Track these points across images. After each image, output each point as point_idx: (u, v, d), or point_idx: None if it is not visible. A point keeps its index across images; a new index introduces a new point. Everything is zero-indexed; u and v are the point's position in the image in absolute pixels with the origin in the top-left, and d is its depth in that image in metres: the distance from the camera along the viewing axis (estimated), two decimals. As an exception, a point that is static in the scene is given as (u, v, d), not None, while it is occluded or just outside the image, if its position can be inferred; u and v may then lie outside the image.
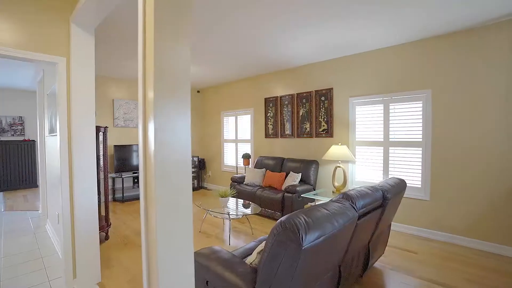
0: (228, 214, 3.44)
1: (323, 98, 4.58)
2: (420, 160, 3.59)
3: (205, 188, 7.02)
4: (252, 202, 4.61)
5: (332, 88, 4.45)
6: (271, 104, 5.45)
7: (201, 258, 1.77)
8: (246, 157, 5.72)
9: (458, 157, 3.29)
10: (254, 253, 1.64)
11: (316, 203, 3.88)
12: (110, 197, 5.58)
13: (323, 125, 4.59)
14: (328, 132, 4.52)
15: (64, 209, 2.37)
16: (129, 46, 3.87)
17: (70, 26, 2.34)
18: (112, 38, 3.54)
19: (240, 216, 3.62)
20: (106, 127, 3.53)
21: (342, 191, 3.93)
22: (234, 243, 3.39)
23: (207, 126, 7.19)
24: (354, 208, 1.78)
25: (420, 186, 3.60)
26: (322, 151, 4.62)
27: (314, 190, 4.50)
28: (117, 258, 2.95)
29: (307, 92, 4.80)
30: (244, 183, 5.07)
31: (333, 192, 4.00)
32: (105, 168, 3.53)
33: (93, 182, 2.47)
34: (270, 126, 5.48)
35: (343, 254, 1.89)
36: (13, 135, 6.97)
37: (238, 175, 5.21)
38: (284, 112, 5.22)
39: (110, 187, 5.63)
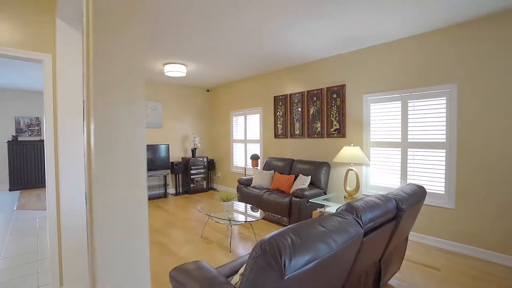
0: (229, 220, 3.23)
1: (335, 96, 4.26)
2: (444, 163, 3.20)
3: (215, 189, 6.87)
4: (258, 206, 4.38)
5: (344, 85, 4.12)
6: (280, 103, 5.18)
7: (180, 274, 1.56)
8: (254, 158, 5.49)
9: (489, 160, 2.88)
10: (237, 274, 1.41)
11: (326, 209, 3.59)
12: (117, 197, 5.55)
13: (335, 125, 4.27)
14: (340, 132, 4.19)
15: (50, 213, 2.25)
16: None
17: (55, 21, 2.22)
18: None
19: (243, 222, 3.39)
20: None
21: (354, 196, 3.61)
22: (236, 251, 3.18)
23: (217, 126, 7.03)
24: (359, 223, 1.50)
25: (443, 192, 3.21)
26: (334, 153, 4.30)
27: (325, 194, 4.20)
28: (111, 264, 2.82)
29: (318, 90, 4.49)
30: (251, 185, 4.84)
31: (344, 197, 3.68)
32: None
33: (81, 185, 2.34)
34: (280, 126, 5.22)
35: (346, 275, 1.61)
36: (30, 135, 7.16)
37: (246, 177, 5.00)
38: (294, 111, 4.94)
39: (117, 187, 5.60)
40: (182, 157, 6.49)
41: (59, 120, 2.24)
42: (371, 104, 3.85)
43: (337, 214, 1.52)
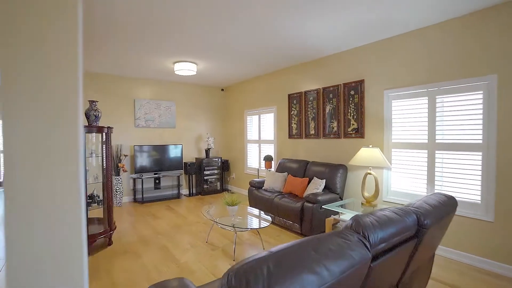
0: (233, 227, 3.02)
1: (352, 92, 3.90)
2: (480, 168, 2.75)
3: (229, 190, 6.72)
4: (269, 210, 4.14)
5: (363, 80, 3.75)
6: (295, 101, 4.89)
7: (157, 295, 1.37)
8: (267, 159, 5.25)
9: (537, 165, 2.41)
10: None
11: (340, 216, 3.27)
12: (131, 198, 5.58)
13: (353, 124, 3.91)
14: (359, 132, 3.82)
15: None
16: (147, 43, 3.67)
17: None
18: (129, 35, 3.36)
19: (247, 230, 3.17)
20: (109, 127, 3.37)
21: (373, 203, 3.26)
22: (240, 259, 2.96)
23: (231, 126, 6.87)
24: (366, 245, 1.21)
25: (479, 202, 2.77)
26: (351, 154, 3.94)
27: (341, 199, 3.86)
28: (109, 269, 2.73)
29: (334, 86, 4.15)
30: (263, 188, 4.60)
31: (362, 203, 3.34)
32: (108, 169, 3.36)
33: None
34: (294, 126, 4.93)
35: (352, 306, 1.33)
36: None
37: (258, 179, 4.77)
38: (308, 109, 4.63)
39: (130, 188, 5.62)
40: (196, 158, 6.40)
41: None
42: (392, 101, 3.46)
43: (338, 233, 1.25)
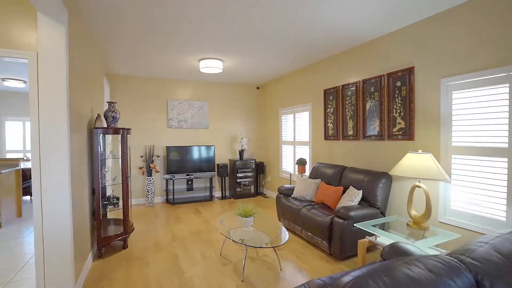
0: (243, 243, 2.63)
1: (398, 84, 3.15)
2: None
3: (264, 195, 6.34)
4: (295, 222, 3.64)
5: (412, 68, 2.98)
6: (331, 97, 4.26)
7: None
8: (301, 163, 4.72)
9: None
10: None
11: (377, 239, 2.61)
12: (163, 198, 5.63)
13: (399, 123, 3.16)
14: (407, 133, 3.06)
15: (36, 223, 2.11)
16: (171, 41, 3.54)
17: (37, 14, 2.06)
18: (153, 35, 3.28)
19: (258, 247, 2.72)
20: (126, 129, 3.30)
21: (423, 225, 2.53)
22: (251, 281, 2.56)
23: (266, 126, 6.49)
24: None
25: None
26: (396, 160, 3.19)
27: (383, 215, 3.15)
28: (112, 277, 2.60)
29: (376, 77, 3.43)
30: (292, 196, 4.11)
31: (408, 224, 2.61)
32: (124, 171, 3.29)
33: (64, 193, 2.14)
34: (330, 125, 4.30)
35: None
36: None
37: (287, 186, 4.28)
38: (346, 106, 3.96)
39: (163, 188, 5.67)
40: (229, 159, 6.19)
41: (41, 123, 2.07)
42: (453, 92, 2.63)
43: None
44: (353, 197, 3.22)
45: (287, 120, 5.58)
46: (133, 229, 3.58)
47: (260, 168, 6.23)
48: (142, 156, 5.34)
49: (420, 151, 2.58)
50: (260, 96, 6.62)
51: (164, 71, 5.10)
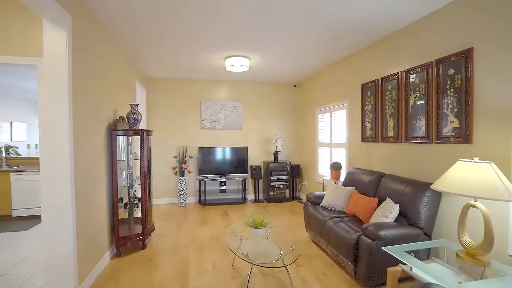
0: (245, 258, 2.35)
1: (451, 72, 2.48)
2: None
3: (300, 200, 5.92)
4: (320, 235, 3.21)
5: (470, 50, 2.30)
6: (369, 92, 3.68)
7: None
8: (335, 167, 4.22)
9: None
10: None
11: (412, 270, 2.05)
12: (196, 199, 5.67)
13: (451, 121, 2.49)
14: (462, 134, 2.39)
15: (42, 222, 2.20)
16: (204, 43, 3.52)
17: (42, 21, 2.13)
18: (177, 35, 3.30)
19: (264, 265, 2.40)
20: (146, 130, 3.33)
21: (480, 258, 1.93)
22: (252, 301, 2.28)
23: (302, 126, 6.06)
24: None
25: None
26: (448, 168, 2.52)
27: (429, 237, 2.52)
28: (120, 278, 2.60)
29: (422, 66, 2.79)
30: (320, 204, 3.66)
31: (458, 255, 2.00)
32: (143, 171, 3.33)
33: (65, 198, 2.18)
34: (368, 125, 3.72)
35: None
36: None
37: (317, 193, 3.84)
38: (386, 102, 3.36)
39: (196, 189, 5.72)
40: (264, 161, 5.95)
41: (44, 128, 2.14)
42: (529, 78, 1.92)
43: None
44: (387, 211, 2.66)
45: (324, 120, 5.09)
46: (153, 229, 3.62)
47: (296, 171, 5.83)
48: (175, 157, 5.48)
49: (476, 158, 1.94)
50: (297, 95, 6.22)
51: (194, 72, 5.12)
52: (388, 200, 2.82)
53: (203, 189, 5.59)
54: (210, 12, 2.69)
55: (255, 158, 6.04)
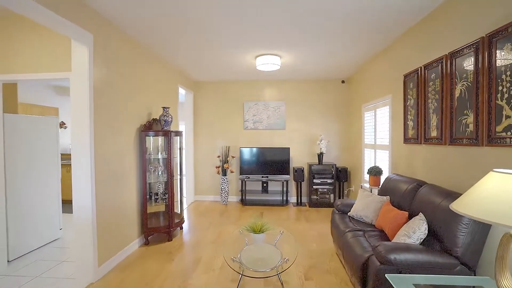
0: (233, 264, 2.27)
1: (508, 46, 1.83)
2: None
3: (347, 206, 5.36)
4: (340, 248, 2.85)
5: (527, 15, 1.65)
6: (411, 84, 3.06)
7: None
8: (374, 173, 3.68)
9: None
10: None
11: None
12: (238, 198, 5.80)
13: (507, 116, 1.84)
14: (516, 134, 1.74)
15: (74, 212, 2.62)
16: (238, 42, 3.65)
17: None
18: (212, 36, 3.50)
19: (261, 272, 2.23)
20: (174, 132, 3.59)
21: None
22: (239, 309, 2.19)
23: (350, 126, 5.49)
24: None
25: None
26: (498, 182, 1.86)
27: (468, 269, 1.93)
28: (134, 266, 2.88)
29: (469, 45, 2.15)
30: (348, 214, 3.24)
31: (490, 300, 1.47)
32: (169, 170, 3.59)
33: (88, 192, 2.54)
34: (410, 123, 3.09)
35: None
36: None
37: (347, 201, 3.42)
38: (429, 95, 2.72)
39: (239, 188, 5.84)
40: (307, 163, 5.65)
41: (73, 135, 2.54)
42: None
43: None
44: (410, 230, 2.16)
45: (369, 118, 4.48)
46: (182, 223, 3.88)
47: (342, 175, 5.31)
48: (219, 156, 5.72)
49: (517, 168, 1.38)
50: (345, 92, 5.65)
51: (236, 74, 5.23)
52: (420, 216, 2.27)
53: (247, 188, 5.66)
54: (235, 12, 2.70)
55: (298, 159, 5.78)
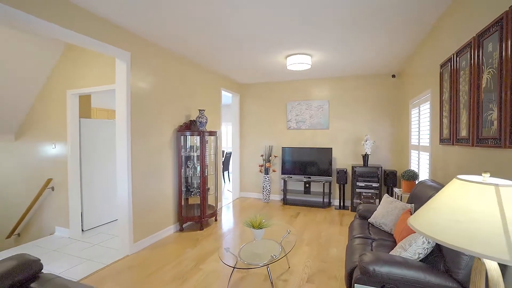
0: (232, 257, 2.43)
1: (515, 26, 1.45)
2: None
3: (398, 214, 4.80)
4: (346, 253, 2.67)
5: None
6: (446, 75, 2.60)
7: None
8: (407, 177, 3.30)
9: None
10: None
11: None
12: (280, 197, 5.88)
13: (519, 111, 1.46)
14: (527, 133, 1.36)
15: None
16: (270, 42, 3.95)
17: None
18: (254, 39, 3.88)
19: (259, 266, 2.31)
20: (208, 132, 3.98)
21: None
22: (229, 297, 2.34)
23: (398, 125, 4.90)
24: None
25: None
26: None
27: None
28: (159, 250, 3.33)
29: (495, 23, 1.75)
30: (368, 220, 2.98)
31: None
32: (202, 167, 3.99)
33: (125, 182, 3.12)
34: (445, 121, 2.64)
35: None
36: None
37: (369, 206, 3.14)
38: (460, 87, 2.29)
39: (281, 188, 5.90)
40: (351, 165, 5.30)
41: (117, 133, 3.16)
42: None
43: None
44: (407, 243, 1.90)
45: (415, 115, 3.92)
46: (215, 215, 4.24)
47: (390, 179, 4.78)
48: (262, 155, 5.91)
49: (486, 175, 1.12)
50: (395, 87, 5.04)
51: (278, 75, 5.33)
52: (429, 228, 1.97)
53: (289, 188, 5.69)
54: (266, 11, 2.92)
55: (342, 160, 5.46)
